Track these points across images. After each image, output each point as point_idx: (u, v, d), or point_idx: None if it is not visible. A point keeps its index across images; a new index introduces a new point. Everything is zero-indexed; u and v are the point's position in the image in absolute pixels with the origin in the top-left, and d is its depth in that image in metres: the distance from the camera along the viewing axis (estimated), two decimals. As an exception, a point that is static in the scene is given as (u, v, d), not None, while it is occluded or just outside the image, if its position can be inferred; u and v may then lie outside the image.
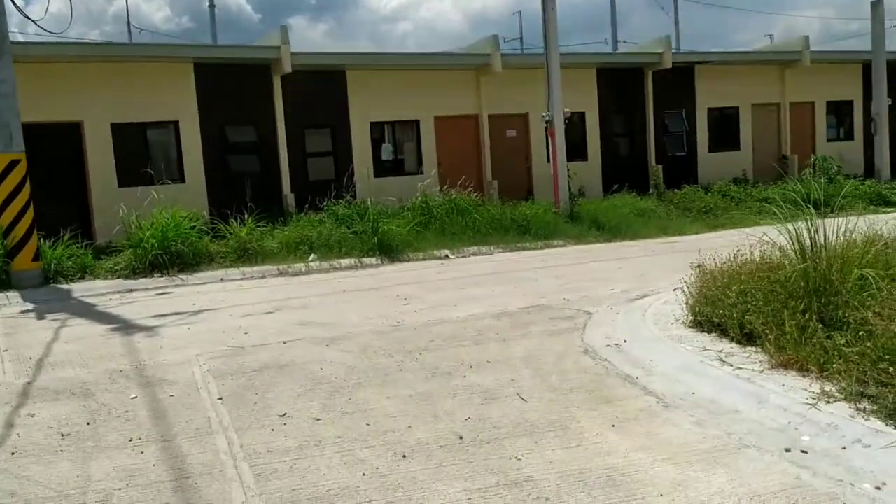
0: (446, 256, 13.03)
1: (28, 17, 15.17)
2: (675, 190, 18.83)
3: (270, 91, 16.48)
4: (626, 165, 20.45)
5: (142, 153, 15.37)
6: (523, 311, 7.85)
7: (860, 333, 4.58)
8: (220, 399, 5.29)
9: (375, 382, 5.50)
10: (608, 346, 6.15)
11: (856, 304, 4.99)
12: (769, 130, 22.49)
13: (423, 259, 12.90)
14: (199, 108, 15.80)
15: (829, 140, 23.18)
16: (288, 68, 16.00)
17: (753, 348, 5.35)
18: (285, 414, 4.89)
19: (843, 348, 4.58)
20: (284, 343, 6.90)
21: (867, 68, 22.16)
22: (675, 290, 7.19)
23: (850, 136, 23.60)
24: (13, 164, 10.95)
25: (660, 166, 20.41)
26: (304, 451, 4.24)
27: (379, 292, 9.67)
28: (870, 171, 22.22)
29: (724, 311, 5.73)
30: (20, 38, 23.45)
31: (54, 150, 14.76)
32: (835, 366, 4.53)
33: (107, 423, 4.91)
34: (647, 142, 20.80)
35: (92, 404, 5.32)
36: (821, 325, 4.98)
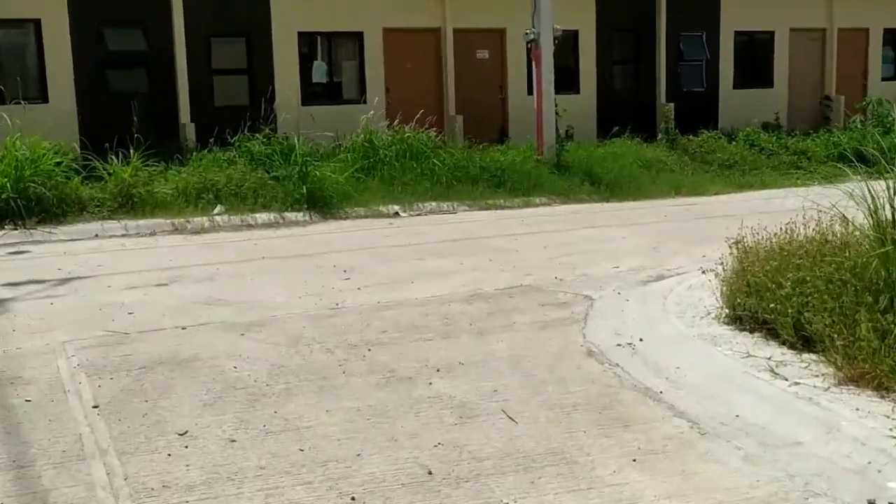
0: (396, 214, 12.81)
1: None
2: (691, 136, 18.80)
3: (167, -18, 15.83)
4: (629, 102, 20.30)
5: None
6: (503, 294, 7.68)
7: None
8: (97, 407, 4.97)
9: (310, 389, 5.23)
10: (619, 345, 5.98)
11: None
12: (810, 64, 22.57)
13: (367, 216, 12.70)
14: (69, 2, 15.11)
15: (885, 79, 23.36)
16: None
17: (813, 356, 5.20)
18: (187, 432, 4.59)
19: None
20: (184, 328, 6.61)
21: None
22: (702, 271, 7.04)
23: (912, 74, 23.85)
24: None
25: (671, 105, 20.34)
26: (214, 487, 3.96)
27: (309, 260, 9.43)
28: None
29: (774, 305, 5.57)
30: None
31: None
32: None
33: (-65, 440, 4.55)
34: (657, 73, 20.69)
35: (-85, 411, 4.95)
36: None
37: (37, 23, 15.04)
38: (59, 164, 12.08)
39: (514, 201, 13.83)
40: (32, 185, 11.51)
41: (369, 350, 5.98)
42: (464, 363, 5.68)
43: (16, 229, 11.08)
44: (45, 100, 15.06)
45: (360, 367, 5.62)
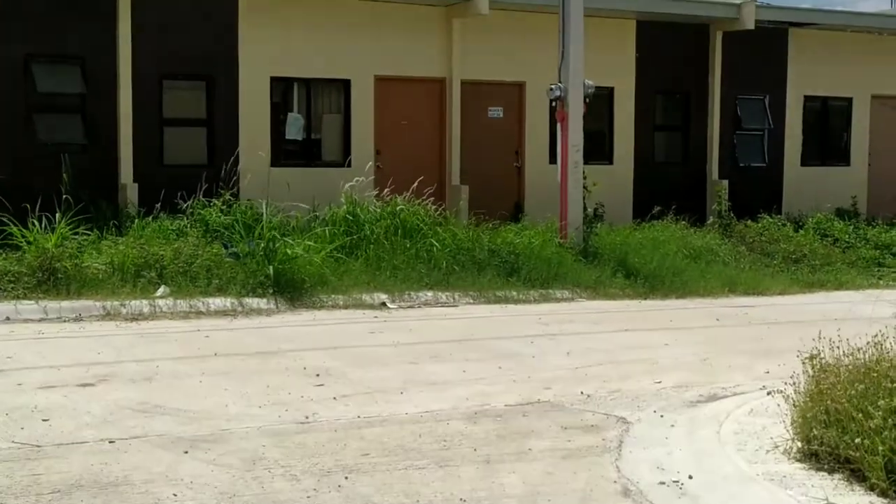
0: (384, 305, 12.74)
1: None
2: (748, 222, 18.89)
3: (113, 8, 15.95)
4: (674, 177, 20.48)
5: None
6: (516, 411, 7.58)
7: None
8: (-5, 543, 4.80)
9: (269, 528, 5.08)
10: (662, 483, 5.86)
11: None
12: (896, 138, 22.81)
13: (347, 307, 12.63)
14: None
15: None
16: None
17: (911, 508, 5.08)
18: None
19: None
20: (112, 442, 6.47)
21: None
22: (767, 391, 6.94)
23: None
24: None
25: (725, 182, 20.49)
26: None
27: (274, 360, 9.36)
28: None
29: (860, 440, 5.45)
30: None
31: None
32: None
33: None
34: (708, 142, 20.90)
35: None
36: None
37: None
38: (-34, 228, 12.05)
39: (529, 294, 13.77)
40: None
41: (346, 478, 5.83)
42: (466, 500, 5.53)
43: None
44: (-44, 149, 15.17)
45: (332, 500, 5.47)
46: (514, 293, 13.76)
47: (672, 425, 7.09)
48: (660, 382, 8.63)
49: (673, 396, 8.11)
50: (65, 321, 11.08)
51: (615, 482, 5.95)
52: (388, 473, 5.97)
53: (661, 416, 7.40)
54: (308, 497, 5.52)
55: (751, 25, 20.15)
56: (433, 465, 6.16)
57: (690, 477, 5.89)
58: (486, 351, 10.01)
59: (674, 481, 5.86)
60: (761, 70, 21.33)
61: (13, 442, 6.42)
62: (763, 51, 21.14)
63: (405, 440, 6.68)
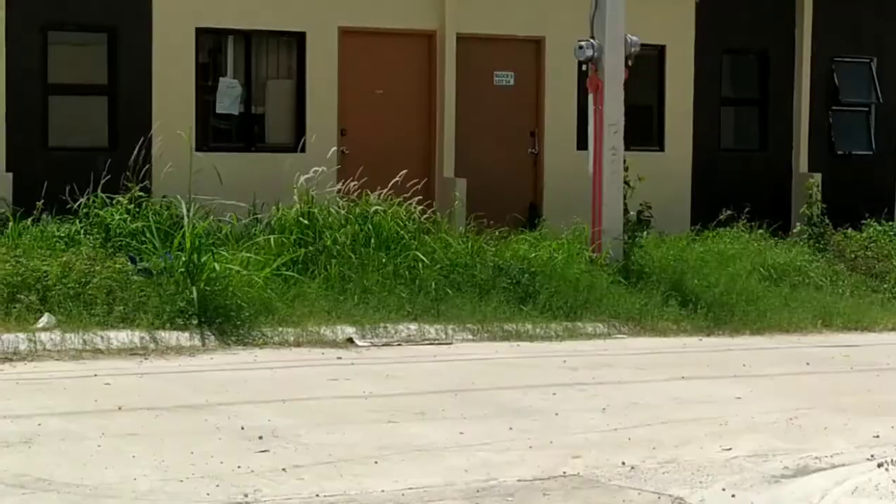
0: (351, 341, 12.65)
1: None
2: (849, 229, 18.79)
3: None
4: (747, 169, 20.45)
5: None
6: (533, 488, 7.47)
7: None
8: None
9: None
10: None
11: None
12: None
13: (300, 344, 12.53)
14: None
15: None
16: None
17: None
18: None
19: None
20: (-26, 536, 6.40)
21: None
22: (877, 463, 6.95)
23: None
24: None
25: (817, 176, 20.41)
26: None
27: (200, 416, 9.23)
28: None
29: None
30: None
31: None
32: None
33: None
34: (795, 122, 20.82)
35: None
36: None
37: None
38: None
39: (550, 328, 13.70)
40: None
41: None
42: None
43: None
44: None
45: None
46: (530, 326, 13.67)
47: (748, 509, 7.06)
48: (730, 450, 8.54)
49: (748, 469, 8.02)
50: None
51: (671, 587, 5.94)
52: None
53: (733, 495, 7.31)
54: None
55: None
56: (420, 571, 6.14)
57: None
58: (490, 405, 9.88)
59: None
60: (863, 21, 21.30)
61: None
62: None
63: (381, 528, 6.64)
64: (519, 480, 7.65)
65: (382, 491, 7.28)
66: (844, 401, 10.40)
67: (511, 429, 9.06)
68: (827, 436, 8.99)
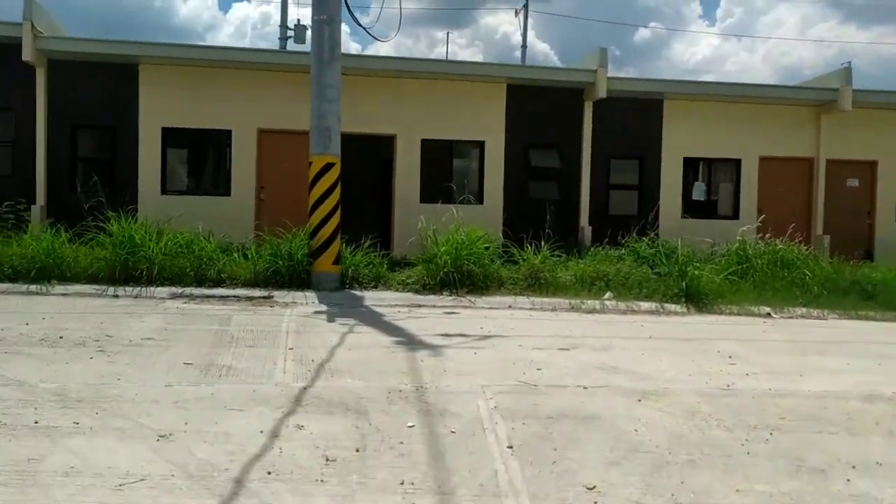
0: (768, 315, 11.05)
1: (360, 25, 15.65)
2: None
3: (580, 116, 15.63)
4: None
5: (446, 169, 15.33)
6: (904, 398, 5.89)
7: None
8: (511, 448, 4.24)
9: (715, 465, 4.10)
10: None
11: None
12: None
13: (739, 314, 11.06)
14: (507, 129, 15.42)
15: None
16: (602, 93, 15.08)
17: None
18: (594, 487, 3.69)
19: None
20: (585, 388, 5.75)
21: None
22: None
23: None
24: (328, 167, 11.09)
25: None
26: (627, 551, 2.98)
27: (692, 345, 8.16)
28: None
29: None
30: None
31: (363, 160, 15.23)
32: None
33: (377, 454, 4.06)
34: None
35: (364, 426, 4.54)
36: None
37: (482, 144, 15.49)
38: (486, 248, 12.01)
39: (887, 315, 11.37)
40: (466, 262, 11.50)
41: (771, 435, 4.69)
42: (882, 464, 4.20)
43: (450, 295, 11.04)
44: (481, 201, 15.39)
45: (764, 450, 4.37)
46: (873, 313, 11.44)
47: None
48: None
49: None
50: (545, 311, 10.61)
51: None
52: (805, 434, 4.75)
53: None
54: (742, 445, 4.47)
55: None
56: (843, 432, 4.84)
57: None
58: (862, 351, 8.15)
59: None
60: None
61: (518, 381, 5.92)
62: None
63: (813, 410, 5.36)
64: (893, 393, 6.10)
65: (808, 390, 6.04)
66: None
67: (879, 364, 7.35)
68: None
